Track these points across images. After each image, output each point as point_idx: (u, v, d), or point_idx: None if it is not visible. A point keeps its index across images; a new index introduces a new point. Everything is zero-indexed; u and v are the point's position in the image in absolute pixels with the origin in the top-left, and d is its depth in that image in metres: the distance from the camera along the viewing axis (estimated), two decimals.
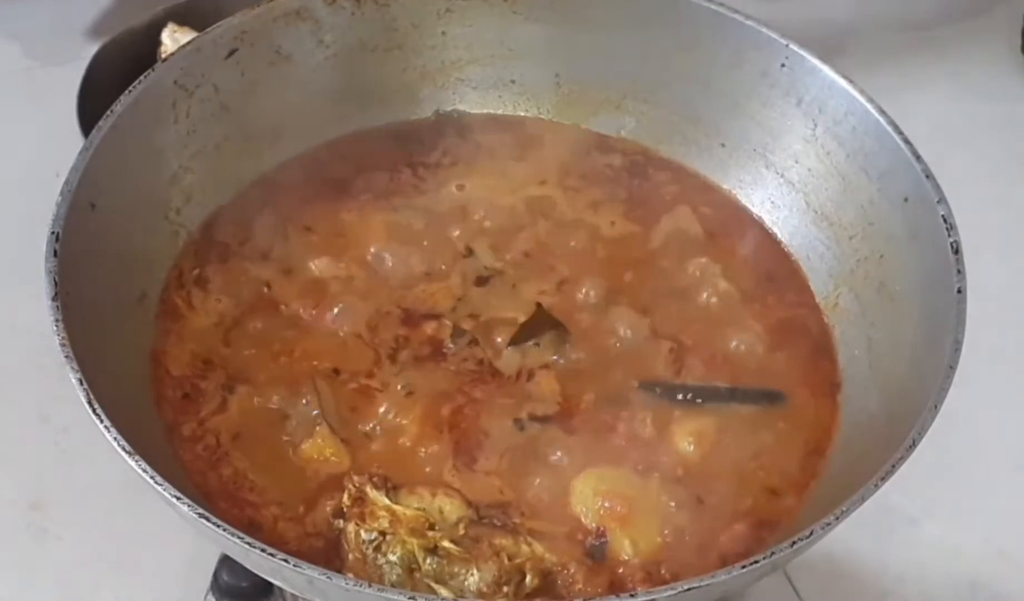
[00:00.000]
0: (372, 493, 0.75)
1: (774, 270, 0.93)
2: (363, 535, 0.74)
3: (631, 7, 0.97)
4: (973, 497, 1.00)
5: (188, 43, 0.90)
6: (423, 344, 0.86)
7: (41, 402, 1.00)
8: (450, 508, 0.75)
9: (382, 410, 0.82)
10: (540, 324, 0.86)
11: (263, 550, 0.65)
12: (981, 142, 1.25)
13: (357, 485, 0.75)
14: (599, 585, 0.74)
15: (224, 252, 0.91)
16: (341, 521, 0.75)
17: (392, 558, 0.73)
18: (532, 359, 0.85)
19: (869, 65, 1.05)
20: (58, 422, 0.99)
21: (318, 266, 0.90)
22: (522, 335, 0.86)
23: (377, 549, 0.73)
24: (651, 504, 0.78)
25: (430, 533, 0.74)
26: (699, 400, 0.83)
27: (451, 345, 0.85)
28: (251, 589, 0.86)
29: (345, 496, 0.75)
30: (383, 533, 0.73)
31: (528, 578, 0.73)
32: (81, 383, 0.71)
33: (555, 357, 0.85)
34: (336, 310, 0.87)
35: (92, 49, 1.14)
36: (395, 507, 0.74)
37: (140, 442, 0.70)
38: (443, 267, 0.91)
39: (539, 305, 0.87)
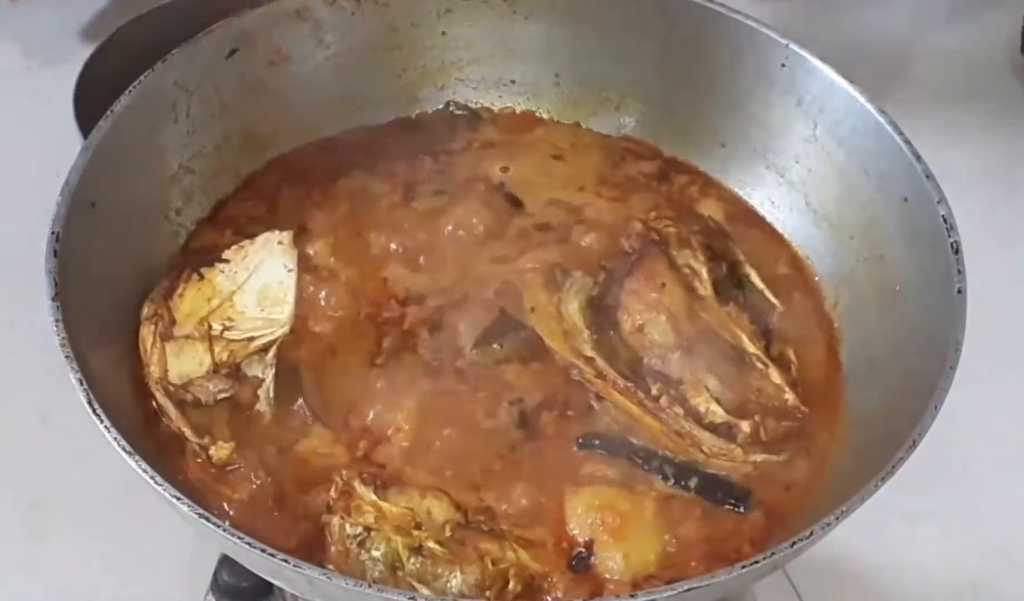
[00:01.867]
0: (360, 488, 0.75)
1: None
2: (348, 529, 0.74)
3: (631, 7, 0.97)
4: (973, 497, 1.00)
5: (188, 43, 0.90)
6: (409, 334, 0.86)
7: (41, 402, 1.00)
8: (438, 509, 0.76)
9: (371, 404, 0.82)
10: (503, 327, 0.86)
11: (263, 550, 0.65)
12: (981, 142, 1.25)
13: (345, 479, 0.76)
14: (580, 596, 0.74)
15: (237, 229, 0.91)
16: (328, 515, 0.75)
17: (376, 554, 0.73)
18: (497, 360, 0.84)
19: (869, 66, 1.05)
20: (58, 422, 0.99)
21: (317, 250, 0.90)
22: (485, 338, 0.85)
23: (361, 544, 0.74)
24: (646, 521, 0.78)
25: (415, 532, 0.74)
26: (658, 474, 0.80)
27: (429, 340, 0.85)
28: (251, 589, 0.86)
29: (332, 489, 0.75)
30: (368, 529, 0.74)
31: (511, 584, 0.73)
32: (81, 383, 0.71)
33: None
34: (325, 295, 0.88)
35: (90, 50, 1.14)
36: (382, 504, 0.74)
37: (140, 442, 0.70)
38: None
39: (502, 310, 0.87)
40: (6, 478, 0.97)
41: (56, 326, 0.73)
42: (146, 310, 0.83)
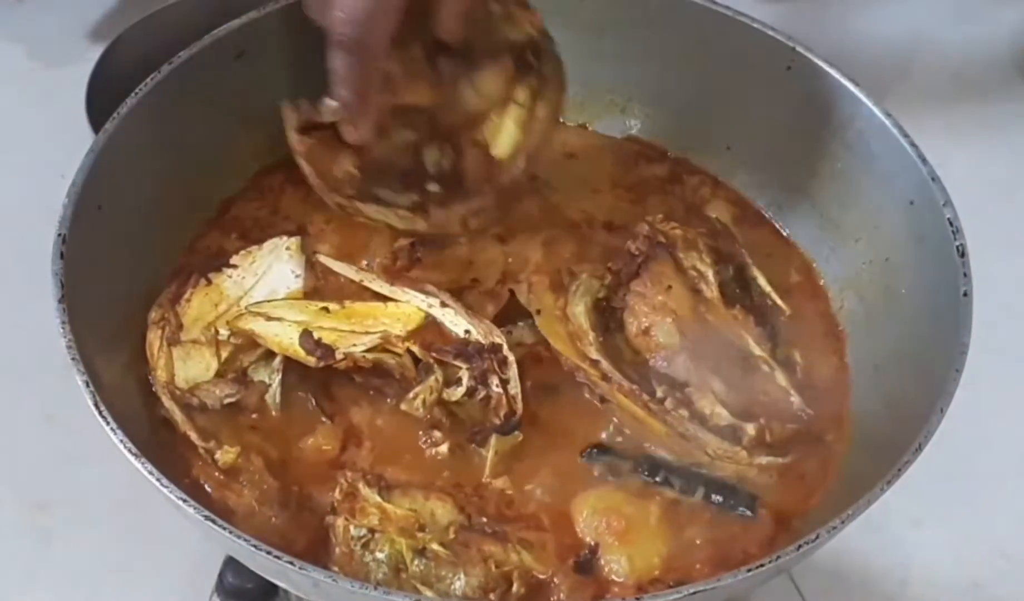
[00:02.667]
0: (364, 490, 0.75)
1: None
2: (352, 531, 0.74)
3: (636, 9, 0.97)
4: (977, 500, 0.99)
5: (195, 44, 0.90)
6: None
7: (46, 403, 1.00)
8: (442, 512, 0.76)
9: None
10: (514, 312, 0.86)
11: (269, 552, 0.65)
12: (987, 144, 1.24)
13: (349, 481, 0.76)
14: (584, 599, 0.75)
15: (242, 231, 0.92)
16: (332, 517, 0.75)
17: (380, 556, 0.74)
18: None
19: (875, 67, 1.05)
20: (63, 424, 0.99)
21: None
22: (497, 321, 0.85)
23: (365, 546, 0.74)
24: (651, 525, 0.78)
25: (419, 534, 0.74)
26: (665, 483, 0.80)
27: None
28: (256, 591, 0.86)
29: (336, 491, 0.76)
30: (372, 530, 0.74)
31: (515, 586, 0.74)
32: (87, 385, 0.71)
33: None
34: None
35: (97, 50, 1.13)
36: (386, 505, 0.75)
37: (146, 444, 0.70)
38: None
39: (512, 292, 0.87)
40: (11, 479, 0.97)
41: (62, 328, 0.73)
42: (153, 315, 0.83)
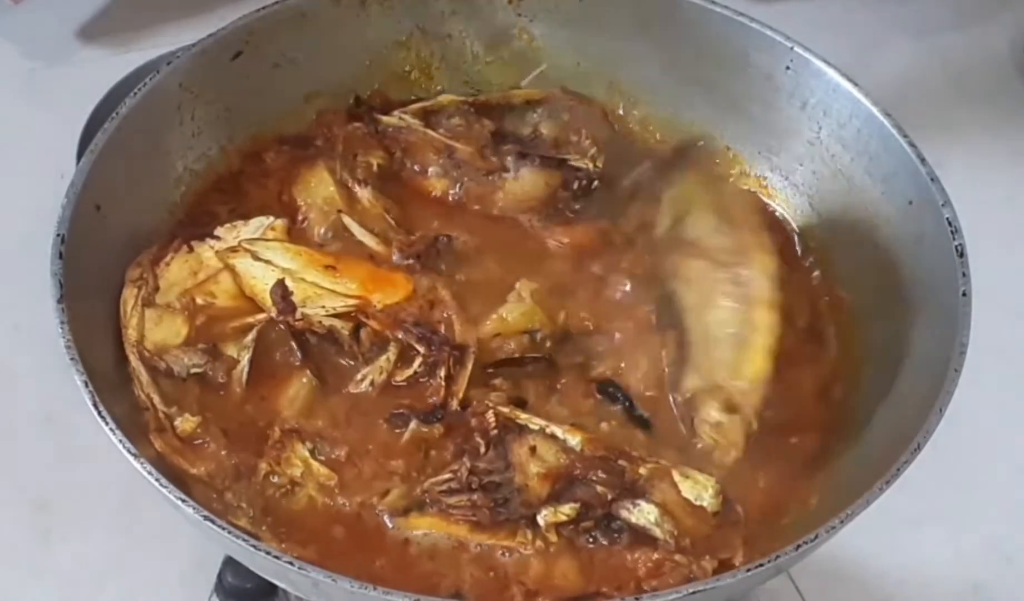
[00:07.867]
0: (295, 442, 0.77)
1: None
2: (273, 479, 0.76)
3: (636, 9, 0.97)
4: (976, 500, 1.00)
5: (193, 45, 0.90)
6: None
7: (45, 404, 1.00)
8: None
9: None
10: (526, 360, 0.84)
11: (268, 552, 0.65)
12: (986, 144, 1.24)
13: (284, 430, 0.77)
14: None
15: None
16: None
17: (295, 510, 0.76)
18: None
19: (873, 68, 1.05)
20: (62, 423, 0.99)
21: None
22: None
23: (284, 497, 0.76)
24: None
25: (338, 496, 0.76)
26: None
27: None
28: (255, 591, 0.86)
29: (269, 440, 0.77)
30: (293, 483, 0.76)
31: None
32: (86, 385, 0.71)
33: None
34: None
35: (91, 51, 1.13)
36: (311, 461, 0.76)
37: (143, 441, 0.70)
38: None
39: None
40: (10, 478, 0.97)
41: (61, 328, 0.73)
42: (132, 272, 0.83)
